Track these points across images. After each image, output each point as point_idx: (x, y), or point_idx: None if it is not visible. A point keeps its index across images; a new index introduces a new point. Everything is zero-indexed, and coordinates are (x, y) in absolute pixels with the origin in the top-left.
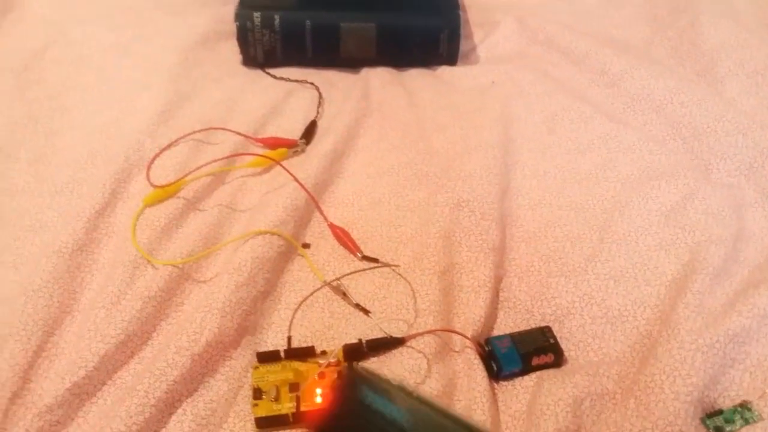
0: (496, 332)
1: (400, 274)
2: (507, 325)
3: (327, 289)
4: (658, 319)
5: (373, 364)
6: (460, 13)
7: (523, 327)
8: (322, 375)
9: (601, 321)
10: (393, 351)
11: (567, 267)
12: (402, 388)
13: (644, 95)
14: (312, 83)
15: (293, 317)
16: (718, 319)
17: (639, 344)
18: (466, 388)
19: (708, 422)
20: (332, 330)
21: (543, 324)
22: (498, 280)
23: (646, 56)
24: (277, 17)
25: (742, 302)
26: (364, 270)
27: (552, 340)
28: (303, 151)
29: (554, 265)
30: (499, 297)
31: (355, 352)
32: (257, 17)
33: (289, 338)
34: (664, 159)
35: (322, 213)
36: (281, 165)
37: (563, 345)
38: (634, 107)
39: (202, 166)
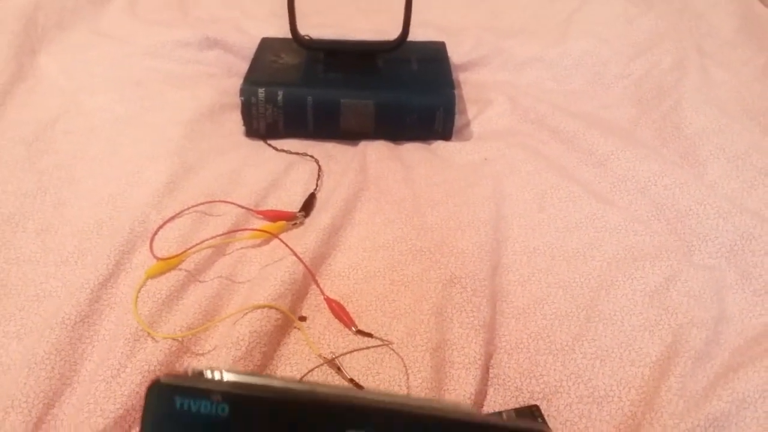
0: (486, 409)
1: (393, 350)
2: (497, 401)
3: (322, 362)
4: (642, 401)
5: None
6: (455, 92)
7: (512, 404)
8: None
9: (587, 400)
10: None
11: (555, 345)
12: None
13: (630, 176)
14: (312, 156)
15: None
16: (699, 403)
17: (624, 425)
18: None
19: None
20: None
21: (532, 402)
22: (488, 357)
23: (632, 137)
24: (280, 93)
25: (722, 387)
26: (359, 349)
27: (540, 420)
28: (302, 223)
29: (543, 343)
30: (489, 373)
31: None
32: (261, 93)
33: None
34: (648, 240)
35: (319, 287)
36: (280, 239)
37: (551, 424)
38: (620, 188)
39: (204, 241)
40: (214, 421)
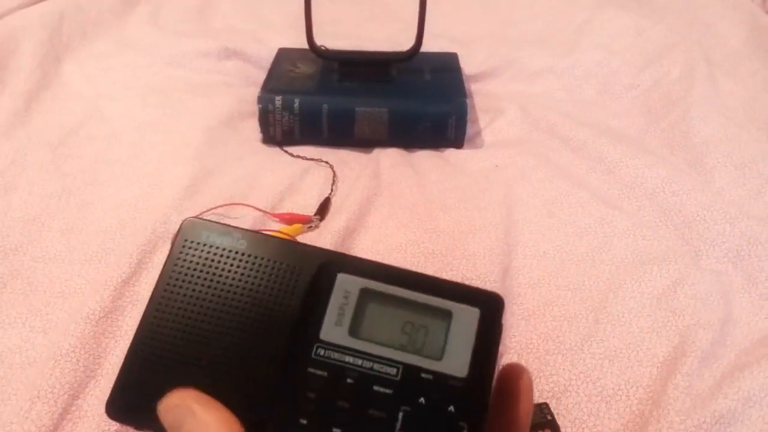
0: None
1: None
2: None
3: None
4: (649, 399)
5: None
6: (467, 100)
7: None
8: None
9: (596, 399)
10: None
11: (564, 345)
12: (240, 230)
13: (638, 183)
14: (327, 162)
15: None
16: (705, 401)
17: (632, 423)
18: None
19: None
20: None
21: (541, 400)
22: (499, 357)
23: (641, 146)
24: (296, 101)
25: (728, 385)
26: None
27: (550, 417)
28: (317, 226)
29: (552, 344)
30: None
31: None
32: (278, 101)
33: None
34: (656, 244)
35: None
36: (296, 241)
37: (560, 422)
38: (628, 194)
39: None
40: (234, 252)
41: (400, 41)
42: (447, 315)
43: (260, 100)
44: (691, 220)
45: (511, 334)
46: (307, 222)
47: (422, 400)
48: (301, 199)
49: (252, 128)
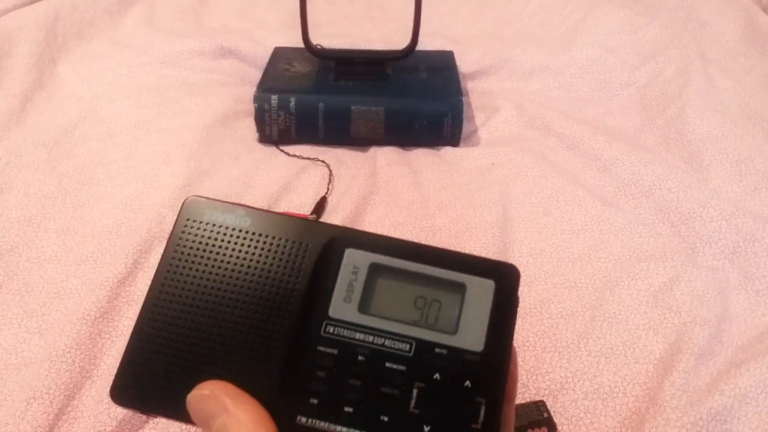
0: None
1: None
2: None
3: None
4: (645, 397)
5: None
6: (463, 99)
7: (518, 400)
8: None
9: (593, 396)
10: None
11: (561, 343)
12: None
13: (634, 180)
14: (323, 161)
15: None
16: (701, 397)
17: (628, 420)
18: None
19: None
20: None
21: (538, 398)
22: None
23: (637, 143)
24: (293, 100)
25: (724, 382)
26: None
27: (546, 414)
28: None
29: (549, 341)
30: None
31: None
32: (274, 100)
33: None
34: (652, 242)
35: None
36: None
37: (557, 419)
38: (624, 191)
39: None
40: (236, 231)
41: (396, 40)
42: (461, 288)
43: (256, 99)
44: (687, 217)
45: None
46: None
47: (437, 376)
48: (298, 198)
49: (248, 127)
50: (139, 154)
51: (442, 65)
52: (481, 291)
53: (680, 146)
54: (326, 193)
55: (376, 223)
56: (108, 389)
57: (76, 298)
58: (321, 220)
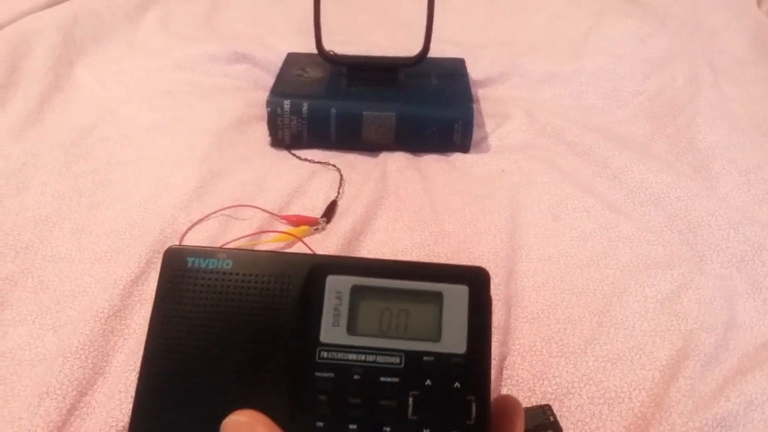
0: None
1: None
2: None
3: None
4: (651, 402)
5: None
6: (473, 105)
7: (525, 404)
8: None
9: (599, 401)
10: None
11: (567, 348)
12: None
13: (643, 188)
14: (334, 165)
15: None
16: (707, 404)
17: (634, 425)
18: None
19: None
20: None
21: (544, 402)
22: (502, 359)
23: (646, 151)
24: (305, 105)
25: (730, 389)
26: None
27: (552, 418)
28: (323, 229)
29: (555, 346)
30: (502, 374)
31: None
32: (287, 104)
33: None
34: (660, 249)
35: None
36: (303, 242)
37: (563, 423)
38: (633, 199)
39: (230, 242)
40: (220, 274)
41: (408, 47)
42: (438, 297)
43: (269, 103)
44: (695, 226)
45: (515, 337)
46: (313, 224)
47: (428, 382)
48: (308, 201)
49: (260, 131)
50: (153, 157)
51: (454, 72)
52: (456, 297)
53: (689, 155)
54: (337, 197)
55: (386, 227)
56: (120, 386)
57: (89, 296)
58: (330, 223)
